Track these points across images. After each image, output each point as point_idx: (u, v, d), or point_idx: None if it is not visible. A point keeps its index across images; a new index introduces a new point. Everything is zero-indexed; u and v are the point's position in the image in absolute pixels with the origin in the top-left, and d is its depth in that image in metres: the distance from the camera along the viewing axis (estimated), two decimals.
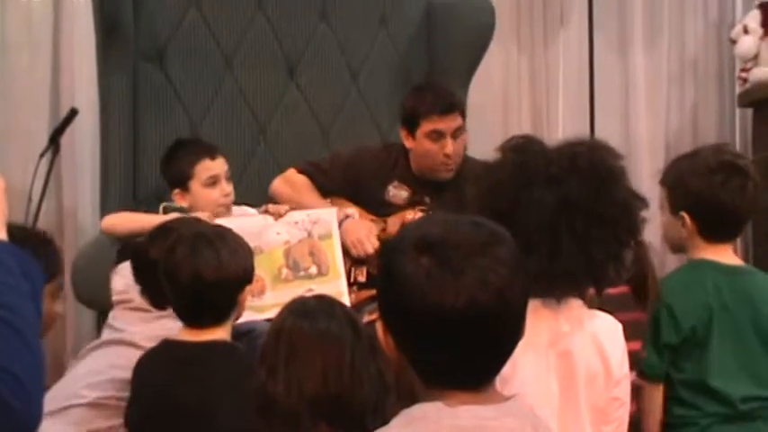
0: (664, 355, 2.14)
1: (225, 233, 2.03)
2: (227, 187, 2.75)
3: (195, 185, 2.72)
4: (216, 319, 1.99)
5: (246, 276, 2.02)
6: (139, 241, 2.24)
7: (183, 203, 2.74)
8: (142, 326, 2.25)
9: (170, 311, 2.12)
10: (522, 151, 1.68)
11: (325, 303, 1.68)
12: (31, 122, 3.42)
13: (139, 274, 2.18)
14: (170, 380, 1.97)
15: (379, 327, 1.30)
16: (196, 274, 1.93)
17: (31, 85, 3.44)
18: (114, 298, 2.38)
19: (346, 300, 2.83)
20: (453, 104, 2.92)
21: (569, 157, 1.64)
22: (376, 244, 2.92)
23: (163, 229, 2.20)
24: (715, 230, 2.18)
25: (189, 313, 2.00)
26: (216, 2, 3.29)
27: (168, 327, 2.10)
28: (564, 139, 1.72)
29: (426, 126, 2.91)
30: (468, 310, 1.18)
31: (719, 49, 4.31)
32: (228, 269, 1.96)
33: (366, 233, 2.92)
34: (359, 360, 1.59)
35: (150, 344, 2.10)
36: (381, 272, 1.29)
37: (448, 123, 2.90)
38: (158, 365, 2.02)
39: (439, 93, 2.98)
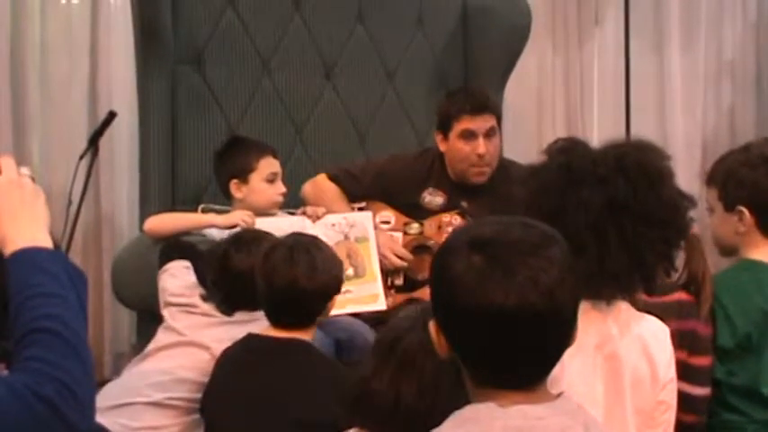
0: (717, 357, 2.08)
1: (320, 243, 2.14)
2: (283, 187, 2.80)
3: (255, 179, 2.78)
4: (302, 323, 2.10)
5: (338, 287, 2.13)
6: (222, 249, 2.31)
7: (239, 195, 2.78)
8: (209, 330, 2.28)
9: (235, 318, 2.22)
10: (568, 153, 1.67)
11: None
12: (70, 125, 3.45)
13: (218, 282, 2.27)
14: (246, 367, 2.08)
15: (431, 327, 1.30)
16: (293, 279, 2.03)
17: (70, 88, 3.47)
18: (168, 299, 2.39)
19: (382, 302, 2.85)
20: (485, 105, 2.93)
21: (616, 158, 1.63)
22: (403, 253, 2.93)
23: (243, 239, 2.30)
24: None
25: (278, 314, 2.10)
26: (253, 4, 3.31)
27: (235, 333, 2.16)
28: (610, 141, 1.71)
29: (458, 126, 2.91)
30: (519, 309, 1.18)
31: (757, 50, 4.27)
32: (322, 278, 2.07)
33: (390, 246, 2.93)
34: (454, 382, 1.59)
35: (221, 346, 2.16)
36: (434, 271, 1.29)
37: (480, 123, 2.90)
38: (238, 355, 2.13)
39: (471, 93, 3.00)
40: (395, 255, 2.92)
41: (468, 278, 1.20)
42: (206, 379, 2.17)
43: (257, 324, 2.16)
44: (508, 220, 1.27)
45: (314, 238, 2.18)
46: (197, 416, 2.20)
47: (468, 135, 2.91)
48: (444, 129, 2.96)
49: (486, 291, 1.19)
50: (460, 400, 1.54)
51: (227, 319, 2.26)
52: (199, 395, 2.19)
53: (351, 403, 1.62)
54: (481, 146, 2.90)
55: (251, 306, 2.20)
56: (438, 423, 1.49)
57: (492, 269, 1.19)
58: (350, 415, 1.62)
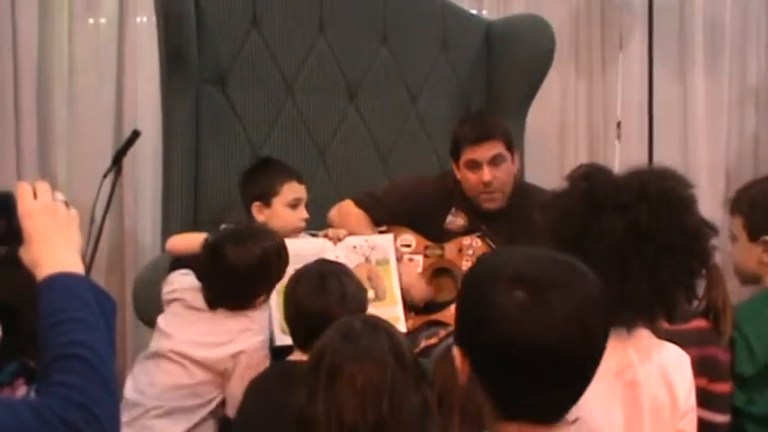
0: (737, 385, 2.09)
1: (349, 271, 2.20)
2: (305, 213, 2.80)
3: (278, 203, 2.78)
4: None
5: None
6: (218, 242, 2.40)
7: (261, 218, 2.78)
8: (184, 328, 2.39)
9: (213, 315, 2.34)
10: (591, 179, 1.67)
11: (369, 326, 1.67)
12: (95, 143, 3.48)
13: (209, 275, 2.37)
14: (277, 392, 2.09)
15: (456, 353, 1.31)
16: (324, 307, 2.06)
17: (95, 107, 3.50)
18: (164, 297, 2.50)
19: (402, 325, 2.84)
20: (487, 133, 2.91)
21: (639, 185, 1.63)
22: (426, 292, 2.96)
23: (240, 234, 2.41)
24: None
25: (305, 339, 2.12)
26: (277, 26, 3.33)
27: (204, 331, 2.31)
28: (633, 168, 1.71)
29: (464, 156, 2.93)
30: (557, 345, 1.21)
31: None
32: (352, 306, 2.10)
33: (414, 285, 2.94)
34: (400, 387, 1.56)
35: (188, 349, 2.30)
36: (466, 300, 1.31)
37: (482, 152, 2.90)
38: (268, 381, 2.16)
39: (476, 121, 3.01)
40: (418, 294, 2.94)
41: (509, 313, 1.22)
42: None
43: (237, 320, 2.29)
44: (553, 257, 1.29)
45: (342, 266, 2.22)
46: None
47: (473, 165, 2.91)
48: (455, 157, 2.99)
49: (528, 326, 1.21)
50: (421, 412, 1.53)
51: (205, 315, 2.37)
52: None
53: None
54: (486, 174, 2.89)
55: (237, 301, 2.31)
56: None
57: (533, 305, 1.22)
58: None
